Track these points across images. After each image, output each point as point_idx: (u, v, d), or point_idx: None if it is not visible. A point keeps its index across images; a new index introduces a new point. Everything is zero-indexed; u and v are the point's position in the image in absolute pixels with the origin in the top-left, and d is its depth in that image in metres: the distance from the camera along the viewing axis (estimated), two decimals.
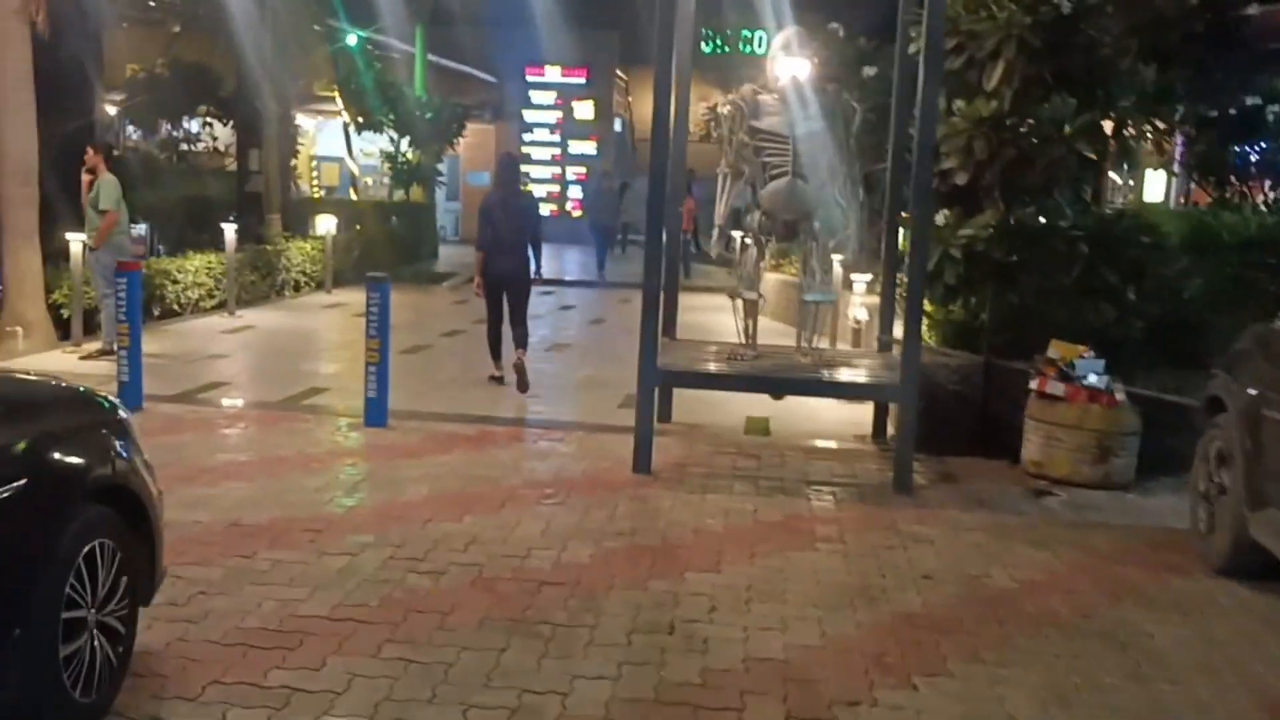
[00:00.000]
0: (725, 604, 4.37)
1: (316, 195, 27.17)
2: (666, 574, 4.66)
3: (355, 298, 14.43)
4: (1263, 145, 10.57)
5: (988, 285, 6.86)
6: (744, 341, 6.96)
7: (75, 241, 9.46)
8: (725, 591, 4.50)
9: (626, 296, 15.75)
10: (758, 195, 6.68)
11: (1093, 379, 6.26)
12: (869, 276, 8.78)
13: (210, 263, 12.34)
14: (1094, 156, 6.54)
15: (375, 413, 7.11)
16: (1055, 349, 6.46)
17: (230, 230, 12.12)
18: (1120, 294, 6.62)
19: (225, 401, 7.85)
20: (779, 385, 6.54)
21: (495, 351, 9.03)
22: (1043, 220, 6.77)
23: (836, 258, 7.46)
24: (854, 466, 6.61)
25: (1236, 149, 10.36)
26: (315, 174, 29.76)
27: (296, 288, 14.61)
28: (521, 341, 8.74)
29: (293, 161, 19.57)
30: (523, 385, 8.52)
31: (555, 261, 22.20)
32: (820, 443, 7.18)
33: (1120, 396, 6.25)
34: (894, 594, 4.55)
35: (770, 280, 12.97)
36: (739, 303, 7.02)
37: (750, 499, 5.83)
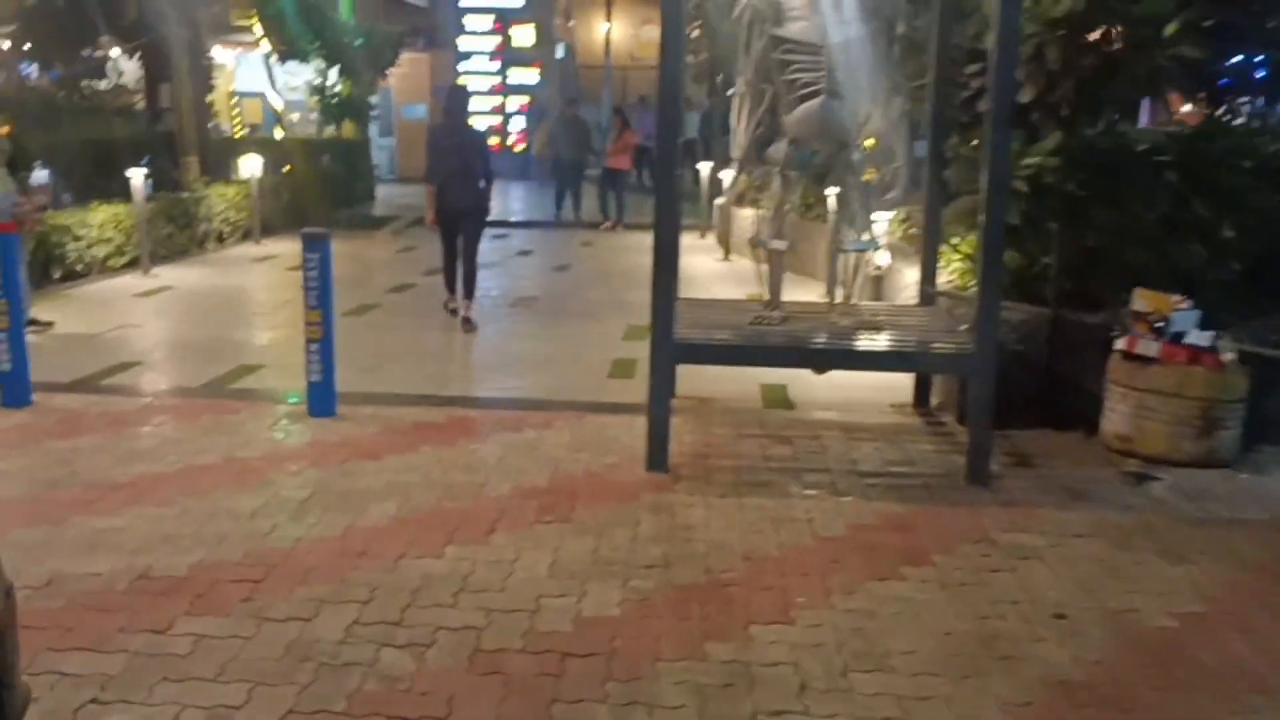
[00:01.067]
0: (816, 676, 3.25)
1: (240, 134, 25.30)
2: (725, 630, 3.53)
3: (287, 248, 12.97)
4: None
5: (1054, 223, 5.74)
6: (768, 300, 5.77)
7: None
8: (809, 655, 3.37)
9: (587, 239, 14.52)
10: (783, 120, 5.47)
11: (1194, 336, 5.20)
12: (890, 213, 7.60)
13: (118, 214, 10.80)
14: (1200, 58, 5.37)
15: (321, 400, 5.85)
16: (1143, 299, 5.37)
17: (138, 176, 10.57)
18: (1214, 230, 5.54)
19: (136, 388, 6.50)
20: (832, 358, 5.34)
21: (451, 284, 8.73)
22: (1120, 144, 5.63)
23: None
24: (907, 449, 5.50)
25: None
26: (237, 111, 27.79)
27: (220, 239, 13.09)
28: (470, 288, 8.53)
29: (209, 97, 17.80)
30: (469, 328, 8.37)
31: (500, 200, 20.75)
32: (855, 417, 6.06)
33: (1229, 356, 5.20)
34: (1027, 646, 3.47)
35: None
36: (761, 253, 5.81)
37: (798, 502, 4.71)
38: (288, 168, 16.94)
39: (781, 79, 5.34)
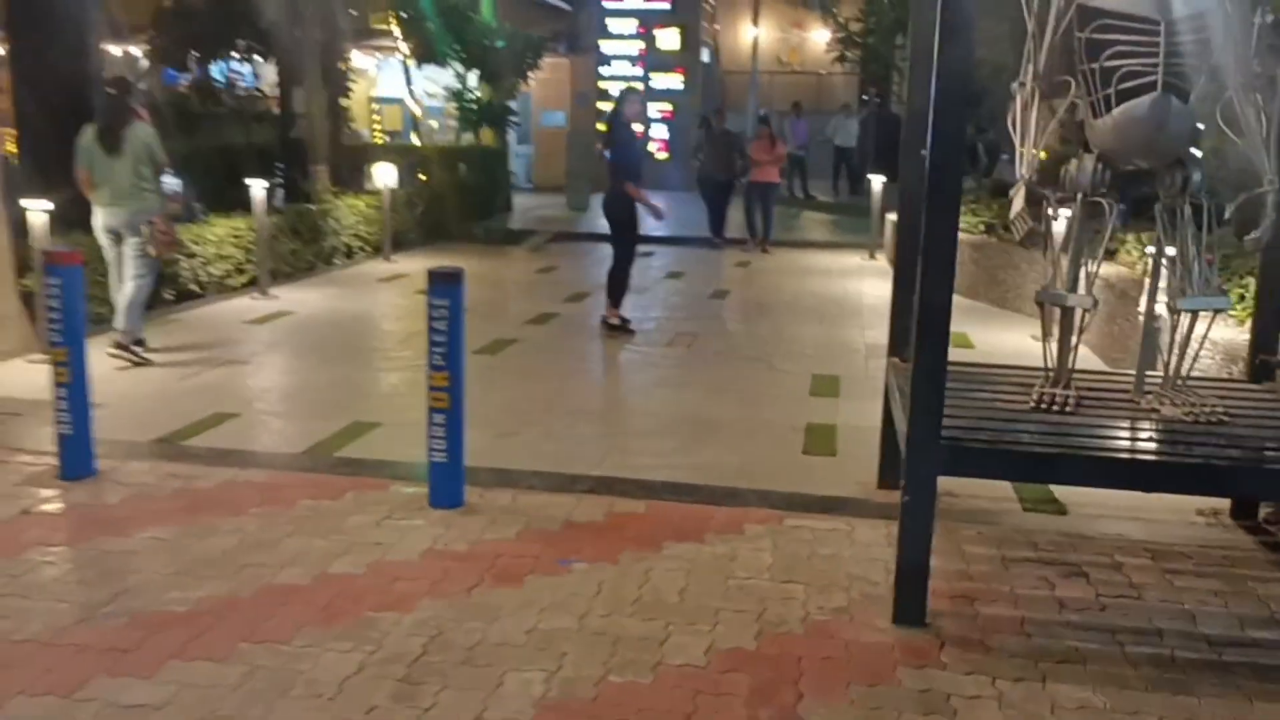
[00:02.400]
0: None
1: (379, 140, 24.74)
2: None
3: (420, 266, 11.87)
4: None
5: None
6: (1053, 374, 4.17)
7: (36, 211, 6.96)
8: None
9: (740, 259, 13.03)
10: (1088, 127, 3.89)
11: None
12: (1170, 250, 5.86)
13: (238, 229, 9.84)
14: None
15: (445, 488, 4.53)
16: None
17: (258, 187, 9.57)
18: None
19: (226, 454, 5.30)
20: (1226, 478, 3.59)
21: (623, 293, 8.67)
22: None
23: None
24: (1258, 594, 3.85)
25: None
26: (377, 118, 27.35)
27: (349, 254, 12.10)
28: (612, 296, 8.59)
29: (344, 102, 17.03)
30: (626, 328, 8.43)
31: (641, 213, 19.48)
32: (1156, 530, 4.42)
33: None
34: None
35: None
36: (1054, 312, 4.22)
37: (1140, 698, 3.13)
38: (422, 176, 16.02)
39: (1091, 68, 3.77)
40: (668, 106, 25.48)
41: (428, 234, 14.08)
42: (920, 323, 3.45)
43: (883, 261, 13.20)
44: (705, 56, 27.34)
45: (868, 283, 11.43)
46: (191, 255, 9.22)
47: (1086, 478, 3.69)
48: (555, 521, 4.39)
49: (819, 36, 30.28)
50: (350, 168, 14.19)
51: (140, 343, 7.07)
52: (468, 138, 18.07)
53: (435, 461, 4.50)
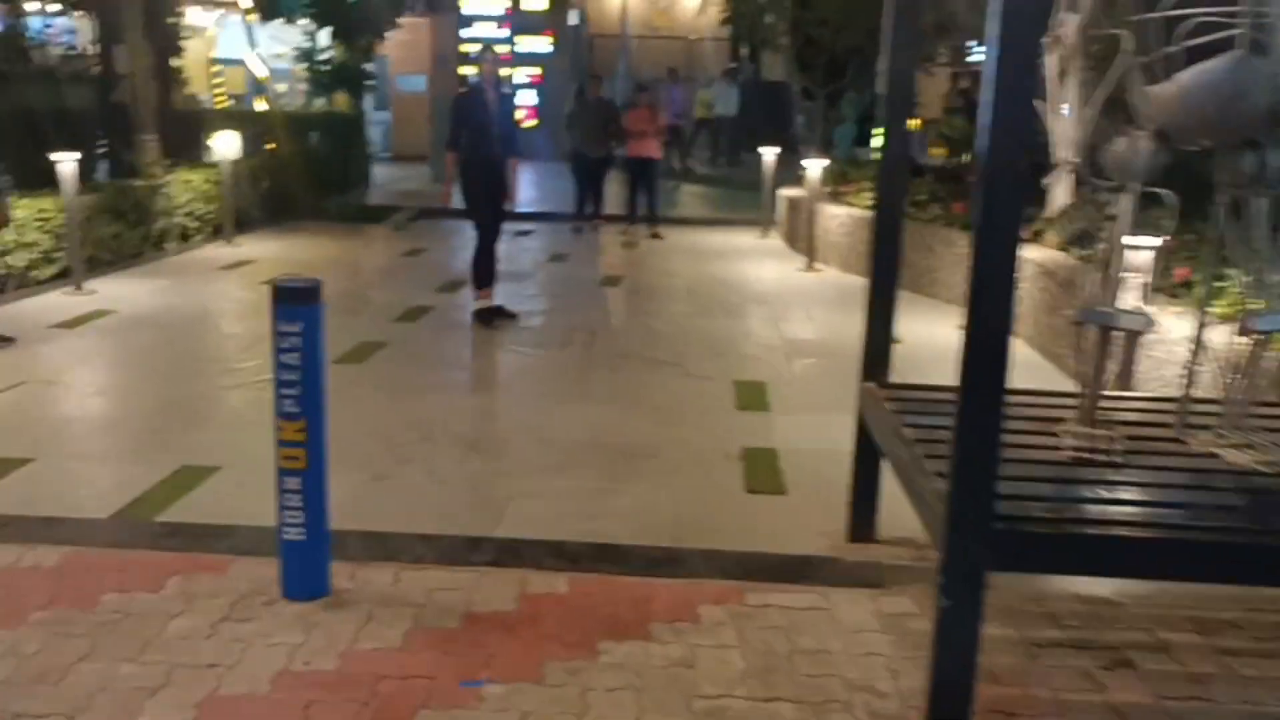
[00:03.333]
0: None
1: (222, 104, 22.72)
2: None
3: (267, 250, 10.51)
4: None
5: None
6: (1085, 401, 3.31)
7: None
8: None
9: (628, 239, 12.02)
10: (1139, 96, 3.03)
11: None
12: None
13: (44, 210, 8.30)
14: None
15: (304, 573, 3.41)
16: None
17: (67, 161, 8.05)
18: None
19: (6, 523, 4.03)
20: None
21: (493, 274, 7.66)
22: None
23: None
24: None
25: None
26: (220, 81, 25.25)
27: (184, 237, 10.60)
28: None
29: (177, 62, 15.23)
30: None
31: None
32: (1184, 595, 3.65)
33: None
34: None
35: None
36: (1089, 333, 3.36)
37: None
38: (270, 146, 14.46)
39: (1150, 18, 2.91)
40: (536, 70, 24.24)
41: (275, 212, 12.62)
42: (970, 361, 2.53)
43: (777, 240, 12.44)
44: (574, 19, 26.14)
45: (767, 265, 10.61)
46: None
47: (1207, 572, 2.83)
48: (452, 614, 3.34)
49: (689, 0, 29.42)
50: (185, 137, 12.58)
51: None
52: (320, 103, 16.52)
53: (289, 540, 3.38)
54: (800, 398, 5.94)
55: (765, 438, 5.19)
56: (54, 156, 8.02)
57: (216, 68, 24.68)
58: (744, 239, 12.47)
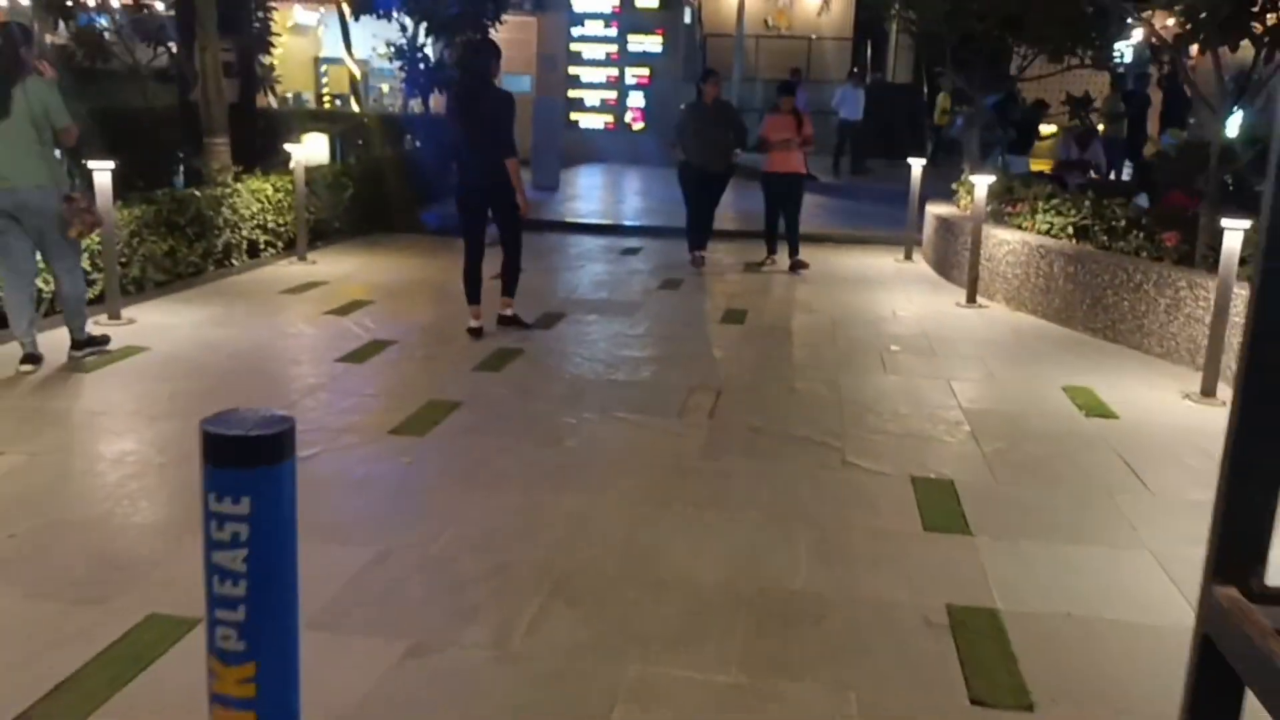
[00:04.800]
0: None
1: (329, 105, 21.92)
2: None
3: (344, 269, 9.26)
4: None
5: None
6: None
7: None
8: None
9: (751, 260, 10.41)
10: None
11: None
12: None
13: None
14: None
15: None
16: None
17: (101, 171, 6.86)
18: None
19: None
20: None
21: (473, 292, 7.09)
22: None
23: None
24: None
25: None
26: (324, 81, 24.49)
27: (253, 252, 9.44)
28: (511, 281, 7.19)
29: (267, 59, 14.23)
30: (512, 322, 7.17)
31: (611, 193, 16.88)
32: None
33: None
34: None
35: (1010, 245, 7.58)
36: None
37: None
38: (360, 144, 13.37)
39: None
40: (644, 71, 22.91)
41: (362, 222, 11.40)
42: None
43: (922, 264, 10.74)
44: (687, 17, 24.70)
45: (917, 298, 8.95)
46: None
47: None
48: None
49: None
50: (268, 141, 11.50)
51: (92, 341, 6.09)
52: (416, 104, 15.36)
53: None
54: (1007, 508, 4.33)
55: (977, 587, 3.60)
56: (91, 165, 6.83)
57: (324, 69, 24.00)
58: (883, 262, 10.80)
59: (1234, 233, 5.80)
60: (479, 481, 4.45)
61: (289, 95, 21.49)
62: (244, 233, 9.25)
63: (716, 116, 9.87)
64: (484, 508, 4.18)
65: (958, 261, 9.61)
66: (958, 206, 10.83)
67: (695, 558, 3.78)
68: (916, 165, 10.86)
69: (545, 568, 3.66)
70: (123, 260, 7.59)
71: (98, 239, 6.88)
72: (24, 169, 5.58)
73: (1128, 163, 15.40)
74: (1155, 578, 3.73)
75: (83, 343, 6.04)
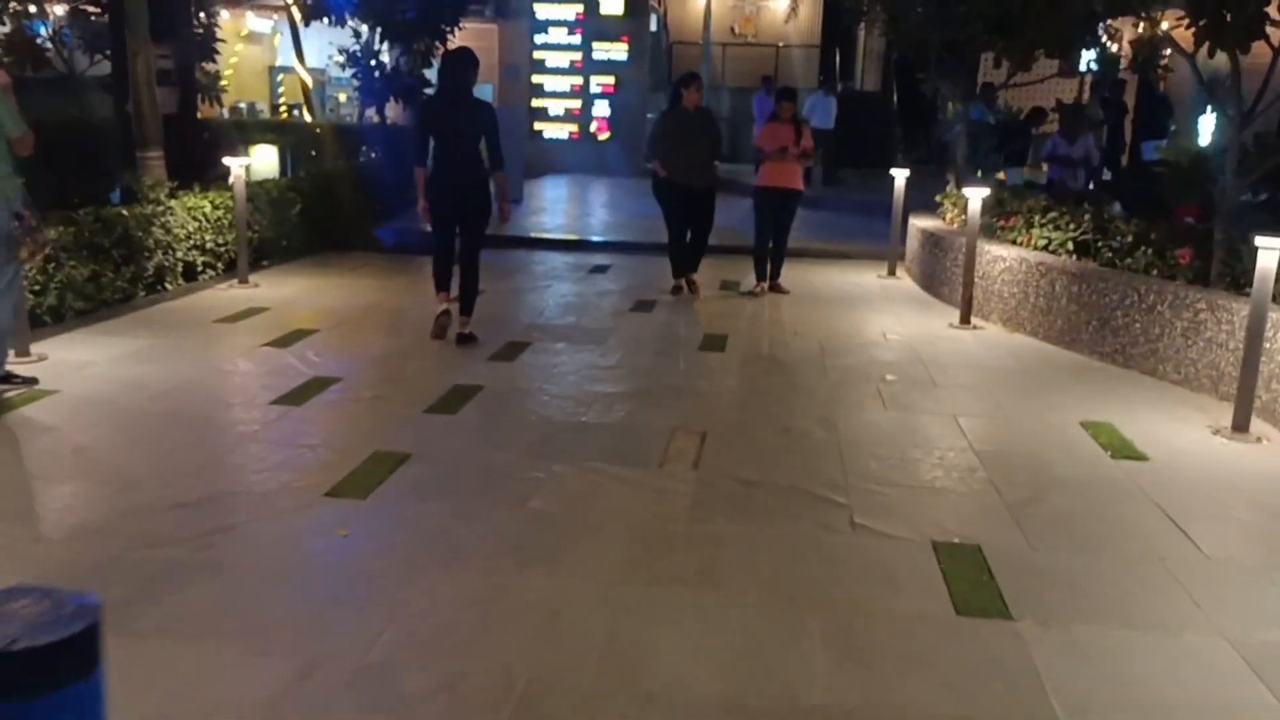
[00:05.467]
0: None
1: (285, 115, 21.12)
2: None
3: (286, 293, 8.53)
4: None
5: None
6: None
7: None
8: None
9: (730, 273, 9.74)
10: None
11: None
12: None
13: None
14: None
15: None
16: None
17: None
18: None
19: None
20: None
21: (444, 280, 7.10)
22: None
23: None
24: None
25: None
26: (282, 91, 23.67)
27: (190, 274, 8.69)
28: (469, 301, 7.07)
29: (212, 66, 13.46)
30: (469, 340, 6.98)
31: (577, 206, 16.22)
32: None
33: None
34: None
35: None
36: None
37: None
38: (313, 156, 12.62)
39: None
40: (609, 80, 22.32)
41: (311, 241, 10.66)
42: None
43: (907, 280, 10.18)
44: (653, 25, 24.15)
45: (907, 317, 8.37)
46: None
47: None
48: None
49: (776, 4, 27.26)
50: (210, 153, 10.73)
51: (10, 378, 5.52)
52: (374, 114, 14.63)
53: None
54: (1048, 581, 3.71)
55: (1033, 695, 2.97)
56: None
57: (280, 77, 23.16)
58: (865, 278, 10.23)
59: (1270, 252, 5.24)
60: (428, 559, 3.77)
61: (242, 105, 20.70)
62: (179, 254, 8.50)
63: (699, 126, 8.81)
64: (433, 596, 3.50)
65: (947, 279, 9.04)
66: (943, 220, 10.28)
67: (689, 660, 3.12)
68: (900, 176, 10.29)
69: (507, 679, 2.99)
70: (36, 288, 6.84)
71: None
72: None
73: (1105, 171, 14.96)
74: (1238, 673, 3.13)
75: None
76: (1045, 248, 8.00)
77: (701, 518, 4.21)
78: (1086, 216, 7.83)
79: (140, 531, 3.92)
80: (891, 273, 10.35)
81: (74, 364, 6.15)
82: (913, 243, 10.28)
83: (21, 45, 12.56)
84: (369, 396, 5.81)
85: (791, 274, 9.57)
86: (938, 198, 10.80)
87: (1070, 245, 7.76)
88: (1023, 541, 4.06)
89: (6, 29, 12.62)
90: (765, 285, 9.22)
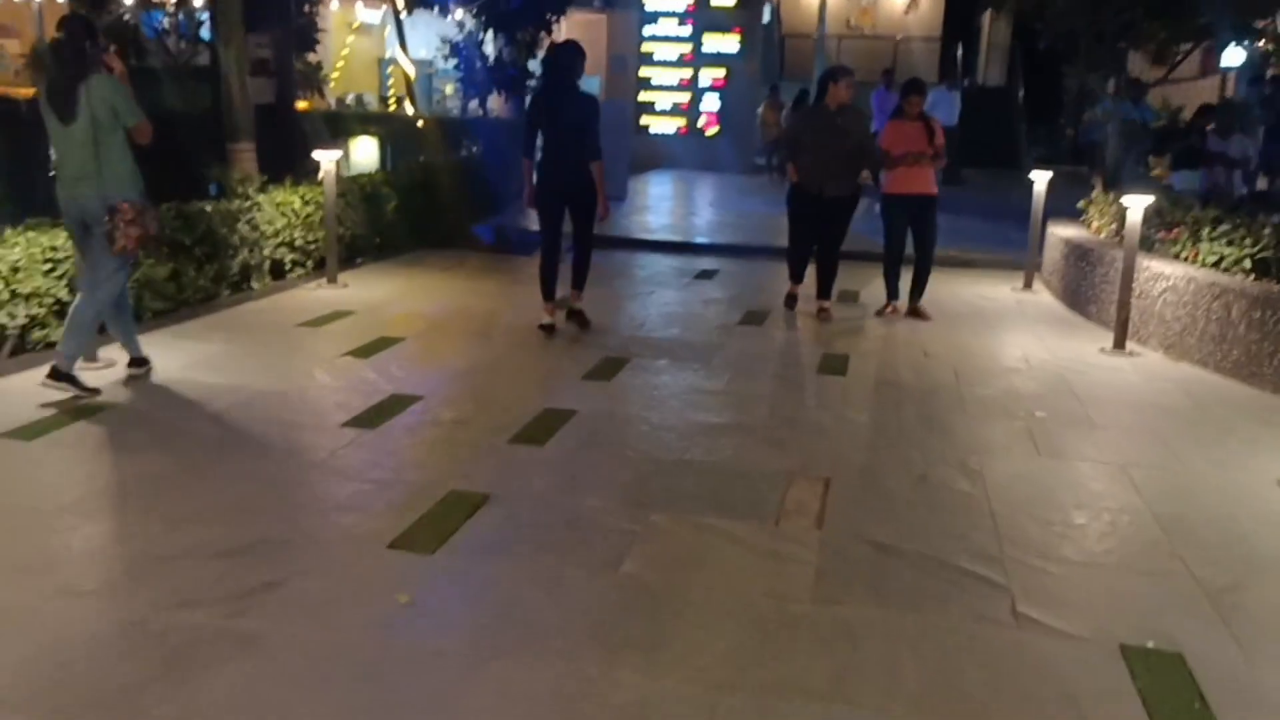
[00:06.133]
0: None
1: (393, 107, 20.96)
2: None
3: (376, 294, 8.05)
4: None
5: None
6: None
7: None
8: None
9: (847, 288, 8.89)
10: None
11: None
12: None
13: (51, 249, 6.03)
14: None
15: None
16: None
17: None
18: None
19: None
20: None
21: (550, 288, 7.06)
22: None
23: None
24: None
25: None
26: (389, 82, 23.55)
27: (278, 273, 8.30)
28: (581, 277, 7.23)
29: (314, 56, 13.17)
30: (584, 323, 7.18)
31: (683, 204, 15.53)
32: None
33: None
34: None
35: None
36: None
37: None
38: (402, 162, 12.19)
39: None
40: (719, 73, 21.59)
41: (407, 238, 10.21)
42: None
43: (1045, 295, 9.24)
44: (765, 16, 23.30)
45: (1050, 339, 7.48)
46: None
47: None
48: None
49: None
50: (305, 147, 10.37)
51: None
52: (477, 106, 14.22)
53: None
54: (1276, 710, 2.90)
55: None
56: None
57: (389, 69, 23.02)
58: (998, 291, 9.32)
59: None
60: (500, 640, 3.14)
61: (350, 98, 20.57)
62: (265, 252, 8.10)
63: (842, 125, 7.61)
64: (503, 692, 2.86)
65: (1095, 295, 8.10)
66: (1088, 228, 9.31)
67: None
68: (1041, 179, 9.35)
69: None
70: None
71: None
72: (90, 176, 5.17)
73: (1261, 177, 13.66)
74: None
75: (61, 374, 5.19)
76: (1217, 265, 7.02)
77: (829, 596, 3.49)
78: (1267, 231, 6.84)
79: (175, 586, 3.38)
80: (1028, 285, 9.42)
81: (130, 376, 5.71)
82: (1054, 253, 9.33)
83: (122, 35, 12.41)
84: (450, 419, 5.23)
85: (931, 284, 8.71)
86: (1080, 203, 9.82)
87: (1248, 263, 6.77)
88: (1234, 649, 3.24)
89: (115, 18, 12.49)
90: (900, 306, 8.15)
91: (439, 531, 3.86)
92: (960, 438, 5.22)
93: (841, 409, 5.68)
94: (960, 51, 24.67)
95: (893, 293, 8.19)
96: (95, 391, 5.28)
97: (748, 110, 20.75)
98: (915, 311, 8.08)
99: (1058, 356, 6.96)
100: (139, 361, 5.65)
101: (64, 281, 6.00)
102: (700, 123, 21.73)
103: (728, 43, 21.50)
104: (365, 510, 4.05)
